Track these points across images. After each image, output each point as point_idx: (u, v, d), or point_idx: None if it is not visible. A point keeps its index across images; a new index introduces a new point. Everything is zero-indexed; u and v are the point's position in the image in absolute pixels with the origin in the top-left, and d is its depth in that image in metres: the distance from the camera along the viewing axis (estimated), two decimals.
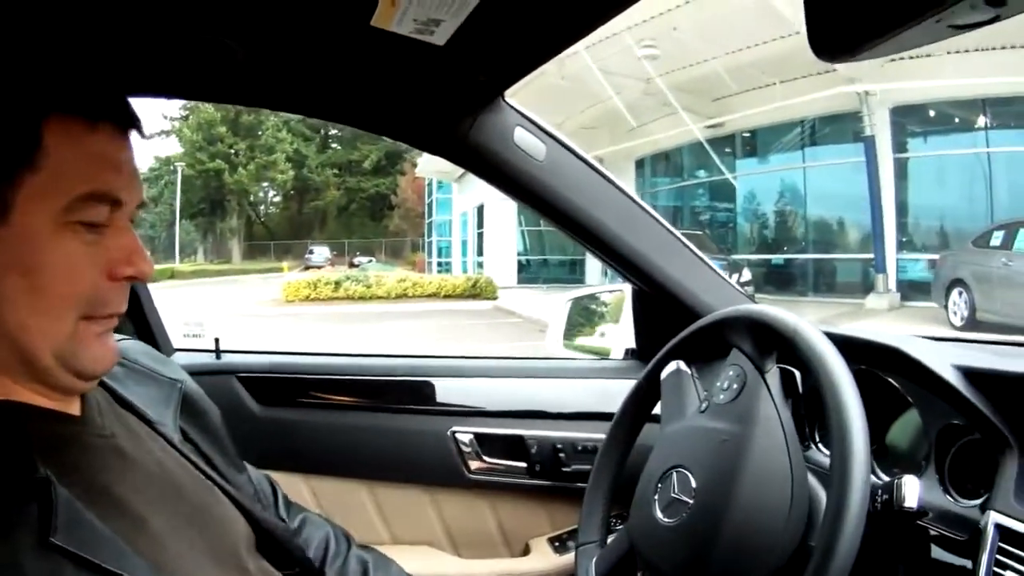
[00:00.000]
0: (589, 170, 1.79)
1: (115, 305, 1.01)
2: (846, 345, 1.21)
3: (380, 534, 2.09)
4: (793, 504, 1.14)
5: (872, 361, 1.44)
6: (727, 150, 21.35)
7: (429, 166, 32.87)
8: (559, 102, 17.34)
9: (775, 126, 19.46)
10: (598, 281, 19.70)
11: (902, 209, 17.24)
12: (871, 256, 17.42)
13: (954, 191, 16.78)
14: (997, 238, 13.42)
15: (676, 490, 1.25)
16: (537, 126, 1.71)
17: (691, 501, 1.22)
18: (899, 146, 17.14)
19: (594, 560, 1.47)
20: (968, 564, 1.20)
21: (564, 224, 1.82)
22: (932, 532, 1.27)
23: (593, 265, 23.89)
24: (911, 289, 16.73)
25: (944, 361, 1.35)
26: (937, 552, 1.26)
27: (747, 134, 20.96)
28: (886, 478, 1.35)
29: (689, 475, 1.25)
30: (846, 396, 1.09)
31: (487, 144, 1.66)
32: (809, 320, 1.25)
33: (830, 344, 1.17)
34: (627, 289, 2.16)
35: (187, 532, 1.03)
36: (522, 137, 1.67)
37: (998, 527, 1.16)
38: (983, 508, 1.22)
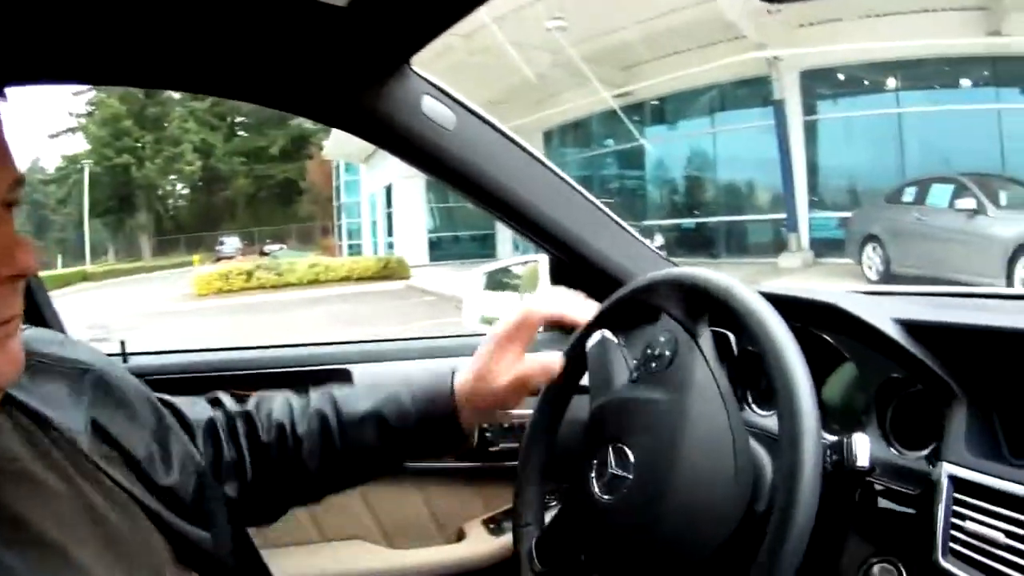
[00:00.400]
0: (501, 138, 1.70)
1: (3, 310, 0.89)
2: (780, 304, 1.13)
3: (308, 531, 2.00)
4: (737, 470, 1.07)
5: (807, 319, 1.39)
6: (636, 118, 20.96)
7: (336, 148, 32.38)
8: (468, 78, 16.72)
9: (684, 93, 19.34)
10: (510, 254, 19.82)
11: (813, 170, 17.56)
12: (783, 216, 17.66)
13: (864, 151, 17.08)
14: (910, 194, 13.76)
15: (613, 466, 1.17)
16: (446, 94, 1.63)
17: (630, 476, 1.14)
18: (808, 109, 17.46)
19: (533, 542, 1.36)
20: (918, 515, 1.17)
21: (476, 195, 1.74)
22: (878, 487, 1.23)
23: (504, 238, 24.16)
24: (824, 246, 16.87)
25: (883, 315, 1.32)
26: (886, 506, 1.23)
27: (656, 102, 20.95)
28: (829, 437, 1.23)
29: (626, 449, 1.16)
30: (788, 355, 1.02)
31: (394, 114, 1.58)
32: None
33: (766, 303, 1.09)
34: (542, 260, 2.03)
35: (106, 557, 0.93)
36: (431, 106, 1.60)
37: (952, 478, 1.14)
38: (931, 459, 1.22)
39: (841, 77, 17.50)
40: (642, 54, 18.45)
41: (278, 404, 1.33)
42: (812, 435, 0.96)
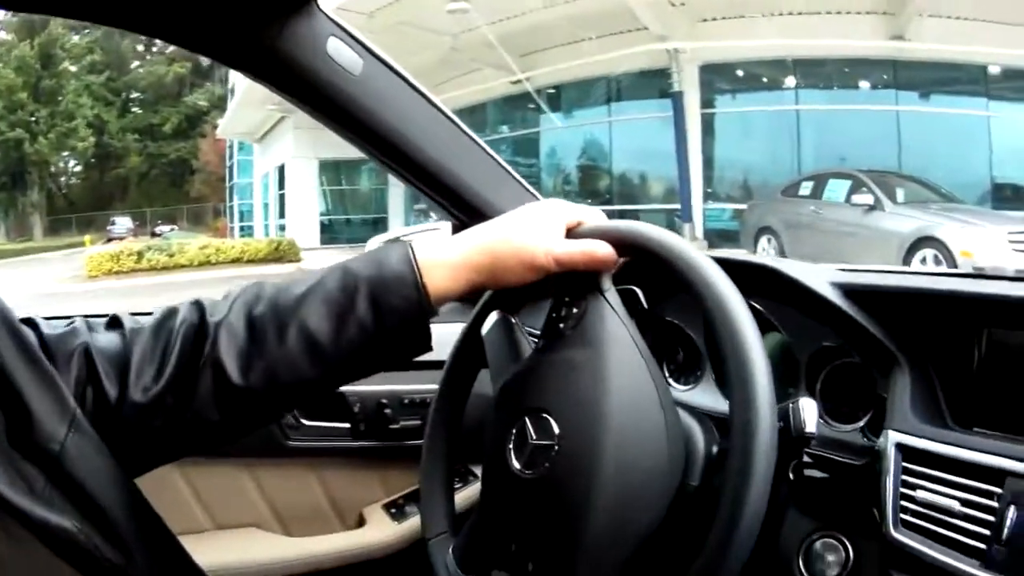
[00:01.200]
0: (409, 89, 1.57)
1: None
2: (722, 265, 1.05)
3: (200, 521, 1.83)
4: (668, 426, 1.01)
5: (738, 283, 1.07)
6: (531, 106, 21.01)
7: (230, 127, 31.89)
8: None
9: (581, 81, 19.43)
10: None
11: (708, 162, 17.75)
12: (677, 207, 17.65)
13: (761, 146, 17.44)
14: (807, 188, 13.87)
15: (534, 437, 1.06)
16: (353, 38, 1.49)
17: (555, 444, 1.04)
18: (707, 102, 17.66)
19: (450, 550, 1.23)
20: (862, 487, 1.16)
21: (379, 148, 1.60)
22: (814, 460, 1.23)
23: (396, 223, 24.50)
24: (717, 237, 16.99)
25: (821, 279, 1.28)
26: (826, 480, 1.22)
27: (552, 90, 20.64)
28: None
29: (546, 416, 1.06)
30: (733, 304, 0.95)
31: (297, 55, 1.44)
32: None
33: (681, 239, 1.04)
34: (445, 227, 1.87)
35: None
36: (336, 48, 1.47)
37: (899, 447, 1.13)
38: (865, 432, 1.25)
39: (740, 73, 17.74)
40: (542, 41, 18.44)
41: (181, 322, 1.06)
42: (766, 398, 0.89)
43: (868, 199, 12.53)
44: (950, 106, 16.21)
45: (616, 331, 1.06)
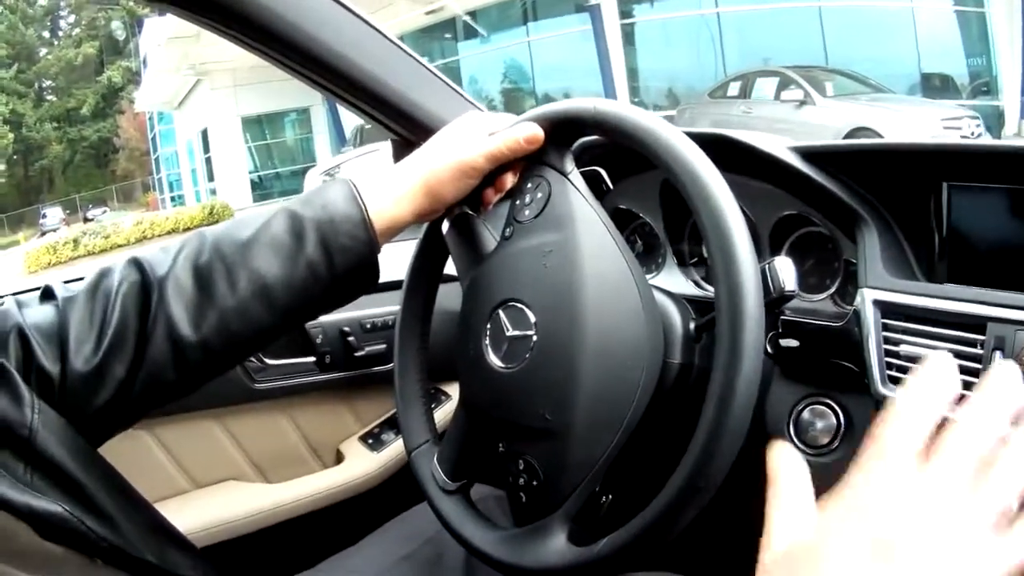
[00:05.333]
0: (337, 5, 1.49)
1: None
2: None
3: (178, 482, 1.78)
4: (644, 306, 0.98)
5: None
6: (448, 35, 21.05)
7: (147, 98, 31.92)
8: None
9: (497, 4, 19.27)
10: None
11: (632, 73, 17.79)
12: None
13: (685, 53, 17.48)
14: (734, 88, 14.02)
15: (510, 329, 1.05)
16: None
17: (533, 333, 1.02)
18: (625, 12, 17.52)
19: (435, 460, 1.20)
20: (843, 349, 1.19)
21: (312, 69, 1.51)
22: (806, 324, 1.24)
23: (325, 167, 23.49)
24: None
25: (779, 145, 1.26)
26: (807, 347, 1.23)
27: (468, 16, 20.41)
28: None
29: (521, 306, 1.04)
30: (703, 168, 0.91)
31: None
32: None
33: (651, 113, 0.98)
34: (383, 147, 1.76)
35: None
36: None
37: (877, 303, 1.16)
38: (835, 299, 1.27)
39: None
40: None
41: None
42: (750, 269, 0.87)
43: (798, 95, 12.62)
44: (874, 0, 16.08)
45: (584, 211, 1.05)
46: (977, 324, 1.07)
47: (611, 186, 1.17)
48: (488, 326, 1.08)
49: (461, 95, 1.68)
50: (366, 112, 1.63)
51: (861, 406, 1.16)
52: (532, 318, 1.02)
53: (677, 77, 17.38)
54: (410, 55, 1.61)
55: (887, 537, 0.53)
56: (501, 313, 1.06)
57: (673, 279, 1.46)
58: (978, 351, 1.06)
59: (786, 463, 0.67)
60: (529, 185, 1.10)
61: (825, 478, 1.06)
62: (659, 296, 1.05)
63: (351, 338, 1.83)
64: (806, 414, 1.21)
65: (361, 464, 1.87)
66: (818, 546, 0.56)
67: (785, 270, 0.97)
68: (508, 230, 1.12)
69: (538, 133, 1.05)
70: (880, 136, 10.95)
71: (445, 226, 1.21)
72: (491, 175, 1.12)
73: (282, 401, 1.85)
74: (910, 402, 0.58)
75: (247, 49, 1.48)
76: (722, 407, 0.84)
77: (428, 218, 1.14)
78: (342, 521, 1.86)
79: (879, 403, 1.11)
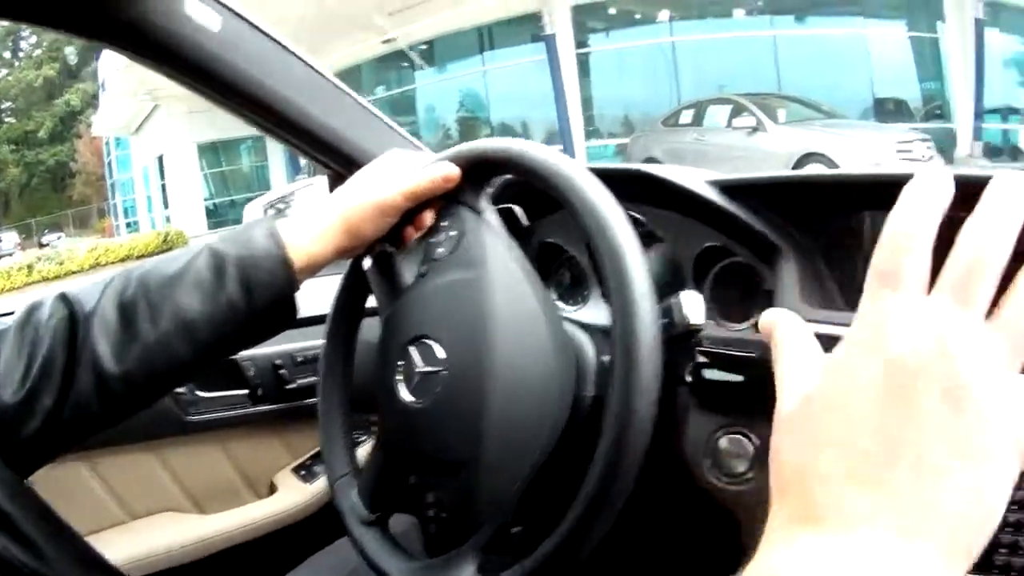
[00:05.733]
0: (271, 42, 1.52)
1: None
2: (600, 176, 1.02)
3: (115, 513, 1.77)
4: (555, 344, 0.99)
5: (615, 192, 1.05)
6: (404, 64, 20.98)
7: (104, 123, 31.38)
8: None
9: (453, 33, 19.18)
10: None
11: (587, 102, 17.96)
12: (559, 148, 16.90)
13: (640, 81, 17.62)
14: (687, 116, 14.25)
15: (420, 365, 1.05)
16: None
17: (442, 370, 1.03)
18: (581, 43, 17.66)
19: (354, 492, 1.22)
20: (761, 380, 0.96)
21: (246, 106, 1.54)
22: (712, 359, 1.20)
23: (267, 199, 23.41)
24: None
25: (696, 179, 1.26)
26: (725, 377, 1.18)
27: (424, 45, 20.52)
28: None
29: (431, 342, 1.06)
30: (604, 205, 0.93)
31: (153, 19, 1.36)
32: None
33: (559, 153, 1.01)
34: (319, 182, 1.82)
35: None
36: (194, 7, 1.41)
37: None
38: (758, 329, 1.02)
39: (613, 11, 17.81)
40: None
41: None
42: (646, 304, 0.88)
43: (750, 121, 12.81)
44: (827, 27, 16.54)
45: (495, 250, 1.05)
46: None
47: (527, 223, 1.21)
48: (400, 362, 1.09)
49: (394, 129, 1.71)
50: (296, 146, 1.64)
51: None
52: (442, 354, 1.04)
53: (633, 105, 17.51)
54: (341, 89, 1.63)
55: (903, 365, 0.49)
56: (412, 349, 1.07)
57: (598, 311, 1.43)
58: None
59: (784, 319, 0.66)
60: (444, 223, 1.11)
61: (742, 506, 1.06)
62: (573, 330, 1.07)
63: (283, 371, 1.85)
64: (724, 443, 1.20)
65: (294, 495, 1.90)
66: (836, 387, 0.52)
67: (690, 304, 1.00)
68: (423, 268, 1.13)
69: (453, 172, 1.06)
70: (832, 161, 11.33)
71: (367, 262, 1.22)
72: (411, 213, 1.13)
73: (216, 433, 1.87)
74: (905, 221, 0.53)
75: (179, 84, 1.49)
76: (615, 448, 0.85)
77: (348, 255, 1.15)
78: (276, 551, 1.85)
79: None
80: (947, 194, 0.53)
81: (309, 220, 1.10)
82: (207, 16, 1.45)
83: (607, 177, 1.17)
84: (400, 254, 1.20)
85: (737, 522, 1.18)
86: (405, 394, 1.07)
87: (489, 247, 1.04)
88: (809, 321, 1.01)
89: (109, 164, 38.78)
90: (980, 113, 15.33)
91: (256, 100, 1.52)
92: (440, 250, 1.10)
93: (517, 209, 1.22)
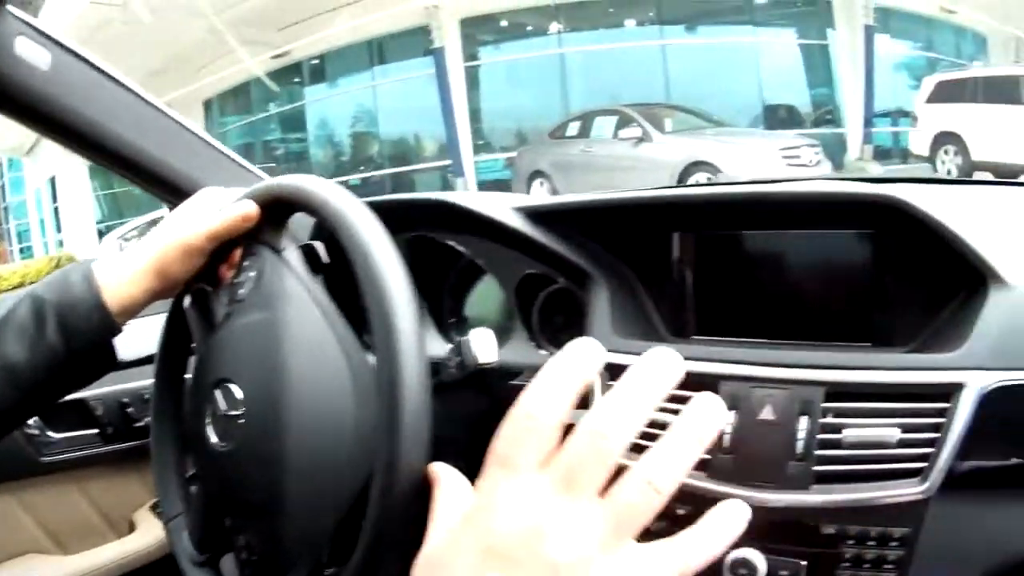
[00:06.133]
0: (103, 77, 1.53)
1: None
2: (391, 210, 1.18)
3: None
4: (356, 383, 0.96)
5: (427, 223, 1.36)
6: (296, 79, 20.69)
7: None
8: (127, 50, 15.84)
9: (343, 48, 19.09)
10: None
11: (477, 115, 17.82)
12: (449, 163, 17.85)
13: (531, 94, 17.53)
14: (573, 128, 14.37)
15: (223, 408, 1.04)
16: (41, 33, 1.44)
17: (242, 413, 1.01)
18: (471, 55, 17.62)
19: (184, 534, 1.20)
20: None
21: (78, 141, 1.54)
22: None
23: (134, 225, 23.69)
24: (492, 188, 16.86)
25: (502, 206, 1.30)
26: None
27: (315, 60, 20.30)
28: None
29: (231, 386, 1.03)
30: (369, 234, 0.92)
31: None
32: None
33: (343, 190, 0.99)
34: (167, 212, 1.71)
35: None
36: (24, 46, 1.41)
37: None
38: None
39: (504, 23, 17.74)
40: (300, 12, 18.17)
41: None
42: (410, 344, 0.86)
43: (636, 132, 12.86)
44: (717, 36, 16.72)
45: (294, 289, 1.03)
46: (710, 383, 1.08)
47: (327, 260, 1.16)
48: (207, 404, 1.07)
49: (233, 160, 1.73)
50: (133, 180, 1.66)
51: None
52: (241, 397, 1.01)
53: (526, 118, 17.43)
54: (176, 121, 1.64)
55: (500, 545, 0.51)
56: (217, 392, 1.05)
57: (429, 341, 1.45)
58: None
59: (445, 474, 0.69)
60: (246, 263, 1.10)
61: None
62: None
63: (130, 409, 1.84)
64: None
65: (153, 532, 1.90)
66: (443, 554, 0.56)
67: (480, 343, 1.05)
68: (228, 308, 1.11)
69: (252, 211, 1.05)
70: (718, 169, 11.52)
71: (186, 302, 1.20)
72: (223, 252, 1.13)
73: (73, 473, 1.86)
74: (529, 405, 0.55)
75: (16, 121, 1.49)
76: (384, 497, 0.83)
77: (164, 296, 1.13)
78: None
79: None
80: (580, 378, 0.55)
81: (123, 262, 1.09)
82: (37, 54, 1.45)
83: (413, 207, 1.29)
84: (215, 294, 1.18)
85: None
86: (212, 436, 1.05)
87: (287, 286, 1.02)
88: (611, 351, 1.04)
89: (2, 187, 37.37)
90: (870, 117, 15.66)
91: (87, 136, 1.53)
92: (242, 291, 1.08)
93: (318, 245, 1.16)
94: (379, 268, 0.89)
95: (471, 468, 0.75)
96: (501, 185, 16.43)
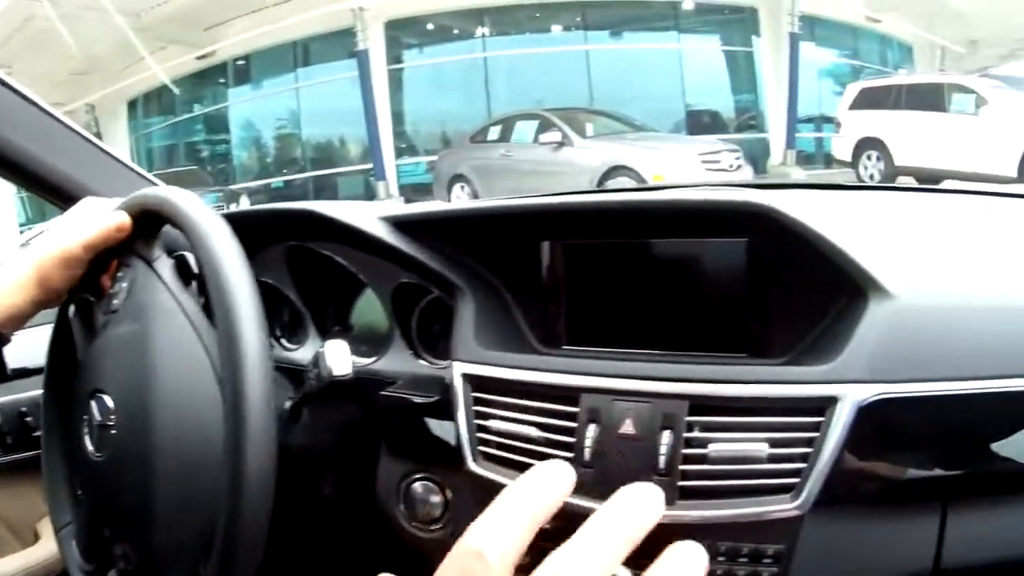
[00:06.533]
0: None
1: None
2: (263, 221, 1.23)
3: None
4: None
5: (300, 233, 1.33)
6: (221, 80, 20.32)
7: None
8: (53, 49, 15.98)
9: (268, 50, 18.81)
10: None
11: (401, 118, 17.80)
12: (370, 166, 17.68)
13: (456, 97, 17.49)
14: (495, 132, 14.22)
15: (98, 418, 1.04)
16: None
17: (113, 423, 1.02)
18: (395, 58, 17.57)
19: (73, 543, 1.18)
20: (445, 423, 1.18)
21: None
22: (404, 401, 1.25)
23: (41, 229, 22.92)
24: (414, 192, 16.96)
25: (367, 216, 1.27)
26: (415, 420, 1.24)
27: (241, 61, 19.90)
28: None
29: (104, 396, 1.04)
30: (221, 250, 0.93)
31: None
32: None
33: (202, 204, 1.00)
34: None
35: None
36: None
37: (466, 377, 1.15)
38: None
39: (431, 26, 17.70)
40: (225, 12, 17.86)
41: None
42: (256, 361, 0.87)
43: (556, 136, 12.83)
44: (642, 42, 16.92)
45: (163, 300, 1.03)
46: (571, 396, 1.05)
47: (198, 271, 1.15)
48: (84, 415, 1.07)
49: (125, 166, 1.68)
50: (24, 187, 1.64)
51: (462, 482, 1.13)
52: (112, 407, 1.02)
53: (450, 121, 17.37)
54: (66, 125, 1.60)
55: None
56: (92, 402, 1.05)
57: (305, 350, 1.46)
58: (572, 424, 1.04)
59: None
60: (120, 274, 1.10)
61: (436, 552, 1.03)
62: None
63: (29, 418, 1.82)
64: (417, 488, 1.21)
65: (55, 543, 1.84)
66: None
67: (335, 355, 1.05)
68: (104, 319, 1.10)
69: (125, 222, 1.06)
70: (638, 174, 11.53)
71: (71, 311, 1.20)
72: (104, 261, 1.12)
73: None
74: (476, 539, 0.47)
75: None
76: (231, 510, 0.83)
77: (48, 306, 1.13)
78: None
79: (476, 480, 1.09)
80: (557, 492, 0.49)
81: (5, 272, 1.08)
82: None
83: (280, 216, 1.27)
84: (97, 304, 1.17)
85: (435, 567, 1.14)
86: (89, 446, 1.05)
87: (157, 297, 1.02)
88: (475, 363, 1.11)
89: None
90: (794, 123, 15.86)
91: None
92: (116, 301, 1.07)
93: (190, 256, 1.15)
94: (226, 283, 0.90)
95: (340, 477, 0.83)
96: (423, 189, 16.32)
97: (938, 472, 1.01)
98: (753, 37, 16.62)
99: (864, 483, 1.00)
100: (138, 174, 1.72)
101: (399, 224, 1.23)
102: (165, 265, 1.06)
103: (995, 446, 1.00)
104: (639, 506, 0.48)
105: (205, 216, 0.97)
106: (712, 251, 1.15)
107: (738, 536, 1.00)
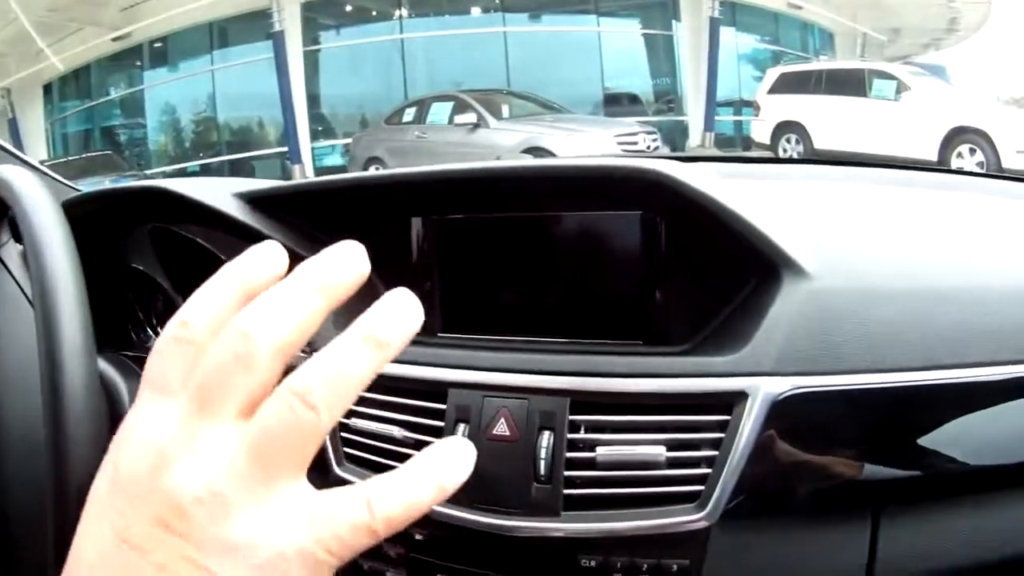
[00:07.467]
0: None
1: None
2: (118, 201, 1.17)
3: None
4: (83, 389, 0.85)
5: (156, 214, 1.24)
6: (138, 63, 19.73)
7: None
8: None
9: (184, 31, 18.41)
10: None
11: (317, 101, 17.57)
12: (286, 149, 17.45)
13: (375, 79, 17.25)
14: (410, 114, 14.20)
15: None
16: None
17: None
18: (312, 40, 17.32)
19: None
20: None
21: None
22: None
23: None
24: (329, 174, 16.07)
25: (220, 192, 1.15)
26: None
27: (158, 44, 19.40)
28: None
29: None
30: (46, 236, 0.84)
31: None
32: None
33: (36, 186, 0.88)
34: None
35: None
36: None
37: None
38: None
39: (349, 8, 17.58)
40: None
41: None
42: (75, 350, 0.76)
43: (472, 118, 12.88)
44: (561, 25, 16.99)
45: (7, 288, 1.02)
46: (438, 392, 0.97)
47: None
48: None
49: (7, 150, 1.58)
50: None
51: (330, 486, 1.07)
52: None
53: (368, 103, 17.22)
54: None
55: (123, 478, 0.42)
56: None
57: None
58: (439, 423, 0.95)
59: None
60: None
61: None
62: (109, 371, 1.02)
63: None
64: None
65: None
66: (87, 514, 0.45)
67: None
68: None
69: None
70: (553, 155, 11.38)
71: None
72: None
73: None
74: (181, 312, 0.46)
75: None
76: (59, 520, 0.76)
77: None
78: None
79: (344, 485, 1.03)
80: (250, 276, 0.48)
81: None
82: None
83: (138, 197, 1.21)
84: None
85: None
86: None
87: (5, 289, 1.01)
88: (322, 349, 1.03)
89: None
90: (712, 106, 16.06)
91: None
92: None
93: None
94: (47, 268, 0.82)
95: None
96: (339, 171, 15.64)
97: (866, 475, 0.90)
98: (673, 22, 16.74)
99: (780, 490, 0.90)
100: (15, 156, 1.60)
101: (253, 200, 1.14)
102: (12, 252, 1.04)
103: (927, 444, 0.91)
104: (338, 258, 0.47)
105: (31, 195, 0.88)
106: (603, 226, 1.04)
107: (636, 551, 0.90)
